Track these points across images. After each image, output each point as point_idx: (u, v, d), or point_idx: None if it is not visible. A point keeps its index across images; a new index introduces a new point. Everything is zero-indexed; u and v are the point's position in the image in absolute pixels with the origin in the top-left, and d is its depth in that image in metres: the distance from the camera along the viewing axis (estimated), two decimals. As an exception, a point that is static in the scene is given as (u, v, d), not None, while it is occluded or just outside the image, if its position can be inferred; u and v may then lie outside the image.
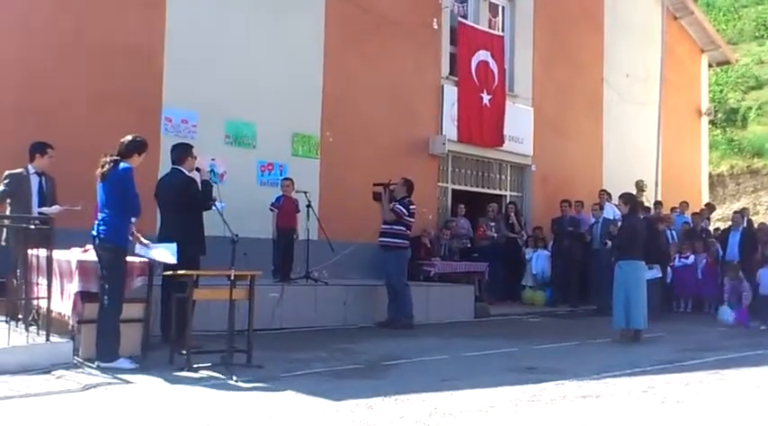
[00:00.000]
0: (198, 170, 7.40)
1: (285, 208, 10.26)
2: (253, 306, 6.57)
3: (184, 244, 6.99)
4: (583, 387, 6.03)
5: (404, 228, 10.02)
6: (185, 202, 7.23)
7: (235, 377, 5.91)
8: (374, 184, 10.31)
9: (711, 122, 22.22)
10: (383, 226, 10.06)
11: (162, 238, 7.29)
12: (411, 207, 10.09)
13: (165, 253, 6.58)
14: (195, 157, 7.47)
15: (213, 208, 7.24)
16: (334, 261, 10.66)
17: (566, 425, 4.89)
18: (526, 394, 5.70)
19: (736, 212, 14.17)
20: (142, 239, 6.59)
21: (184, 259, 6.83)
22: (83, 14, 9.70)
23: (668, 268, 13.12)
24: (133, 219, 6.57)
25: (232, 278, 6.41)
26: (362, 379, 6.26)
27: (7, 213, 7.48)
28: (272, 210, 10.24)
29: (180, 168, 7.42)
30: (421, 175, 11.72)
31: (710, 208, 16.66)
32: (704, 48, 19.96)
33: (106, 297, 6.23)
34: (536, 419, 5.00)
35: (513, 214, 14.24)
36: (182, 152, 7.51)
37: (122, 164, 6.29)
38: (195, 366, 6.20)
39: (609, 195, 13.66)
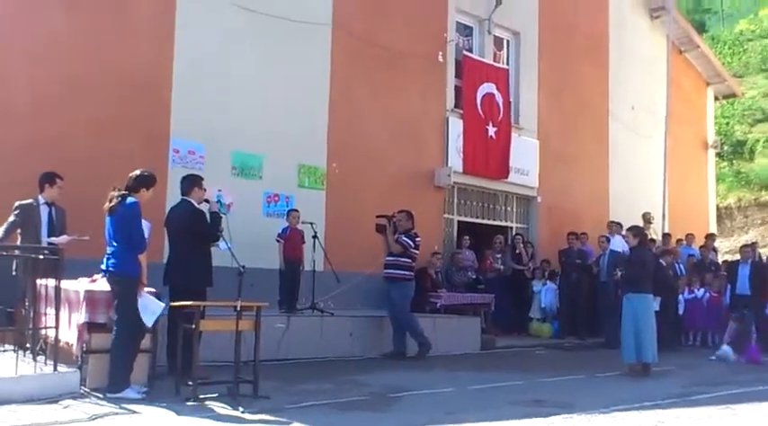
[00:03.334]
0: (206, 201, 7.43)
1: (292, 239, 10.29)
2: (259, 336, 6.56)
3: (191, 276, 7.00)
4: (592, 421, 5.98)
5: (409, 260, 10.04)
6: (193, 233, 7.26)
7: (241, 408, 5.89)
8: (377, 216, 10.34)
9: (718, 155, 22.27)
10: (388, 258, 10.08)
11: (169, 268, 7.32)
12: (417, 239, 10.13)
13: (148, 310, 6.44)
14: (204, 189, 7.51)
15: (218, 246, 7.24)
16: (340, 291, 10.64)
17: (574, 459, 4.84)
18: (534, 427, 5.66)
19: (745, 246, 14.11)
20: (145, 283, 6.53)
21: (191, 290, 6.85)
22: (91, 46, 9.81)
23: (679, 300, 13.10)
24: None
25: (238, 309, 6.41)
26: (368, 411, 6.23)
27: (17, 243, 7.50)
28: (278, 241, 10.27)
29: (189, 199, 7.46)
30: (426, 207, 11.77)
31: (711, 237, 16.60)
32: (710, 81, 20.08)
33: (115, 328, 6.24)
34: (544, 452, 4.95)
35: (520, 244, 14.22)
36: (190, 183, 7.54)
37: (129, 199, 6.34)
38: (202, 396, 6.17)
39: (620, 226, 13.62)
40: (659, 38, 17.99)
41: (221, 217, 7.39)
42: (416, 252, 10.20)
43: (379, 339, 10.22)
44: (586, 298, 13.45)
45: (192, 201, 7.43)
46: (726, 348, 11.25)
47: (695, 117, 19.58)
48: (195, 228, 7.25)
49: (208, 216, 7.33)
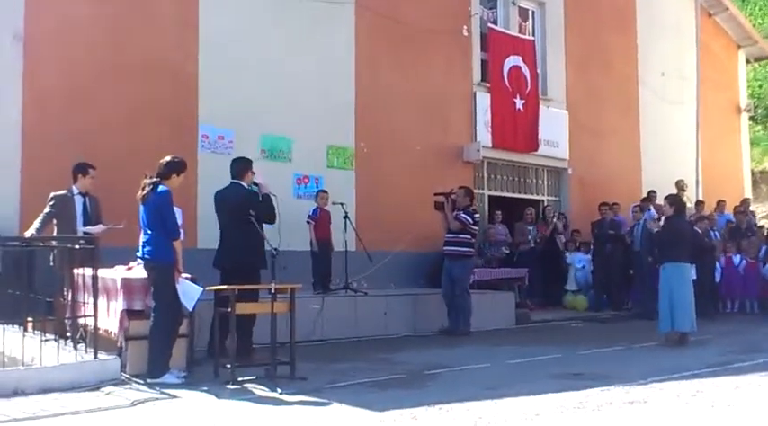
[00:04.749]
0: (256, 184, 7.39)
1: (322, 220, 10.33)
2: (294, 318, 6.61)
3: (251, 256, 7.05)
4: (630, 393, 5.94)
5: (469, 237, 10.07)
6: (248, 215, 7.14)
7: (279, 390, 5.94)
8: (435, 194, 10.36)
9: (752, 118, 21.84)
10: (448, 236, 10.10)
11: (221, 251, 7.36)
12: (476, 215, 10.19)
13: (187, 295, 6.50)
14: (254, 172, 7.49)
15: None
16: (373, 271, 10.67)
17: (614, 431, 4.82)
18: (572, 400, 5.64)
19: None
20: (181, 270, 6.55)
21: (245, 271, 6.92)
22: (117, 35, 9.88)
23: (715, 267, 12.95)
24: (181, 238, 6.65)
25: (273, 291, 6.46)
26: (405, 389, 6.25)
27: (54, 234, 7.62)
28: (308, 223, 10.30)
29: (239, 182, 7.42)
30: (456, 183, 11.65)
31: (745, 203, 16.33)
32: (741, 44, 19.65)
33: (153, 314, 6.34)
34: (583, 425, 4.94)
35: (555, 220, 14.10)
36: (243, 166, 7.48)
37: (161, 187, 6.39)
38: (240, 379, 6.25)
39: (654, 195, 13.51)
40: (687, 1, 17.62)
41: (272, 199, 7.34)
42: (476, 228, 10.26)
43: (413, 317, 10.25)
44: (621, 269, 13.32)
45: (243, 184, 7.40)
46: None
47: (727, 81, 19.20)
48: (254, 210, 7.15)
49: (260, 197, 7.29)
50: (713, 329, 10.28)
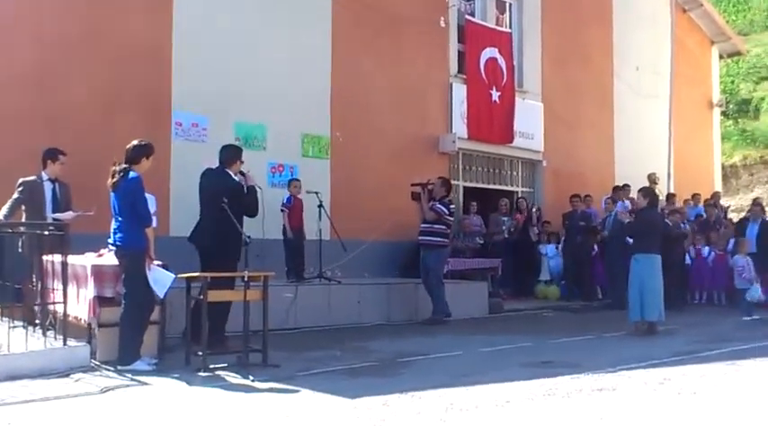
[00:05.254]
0: (242, 174, 7.28)
1: (296, 208, 10.31)
2: (267, 306, 6.59)
3: (227, 244, 6.96)
4: (598, 381, 6.01)
5: (444, 227, 10.14)
6: (221, 203, 6.96)
7: (251, 377, 5.94)
8: (412, 184, 10.42)
9: (723, 113, 22.12)
10: (423, 225, 10.16)
11: (198, 231, 7.24)
12: (451, 206, 10.28)
13: (159, 282, 6.43)
14: (242, 162, 7.39)
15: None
16: (347, 260, 10.68)
17: (582, 418, 4.88)
18: (542, 388, 5.70)
19: (755, 204, 14.04)
20: (152, 257, 6.50)
21: (223, 257, 6.88)
22: (90, 19, 9.78)
23: (686, 258, 13.14)
24: (153, 225, 6.59)
25: (246, 279, 6.44)
26: (378, 377, 6.27)
27: (22, 220, 7.53)
28: (282, 211, 10.27)
29: (227, 170, 7.28)
30: (432, 173, 11.69)
31: (715, 196, 16.56)
32: (714, 40, 19.89)
33: (124, 301, 6.29)
34: (552, 413, 4.99)
35: (534, 210, 14.21)
36: (233, 155, 7.34)
37: (131, 174, 6.33)
38: (212, 367, 6.23)
39: (628, 188, 13.70)
40: (663, -4, 17.78)
41: (257, 191, 7.26)
42: (451, 219, 10.35)
43: (386, 306, 10.28)
44: (590, 261, 13.45)
45: (230, 173, 7.28)
46: (755, 286, 11.13)
47: (700, 76, 19.41)
48: (234, 201, 7.00)
49: (245, 189, 7.19)
50: (681, 319, 10.42)
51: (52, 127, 8.99)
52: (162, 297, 6.52)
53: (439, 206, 10.04)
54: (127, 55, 9.96)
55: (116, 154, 6.55)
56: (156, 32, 10.32)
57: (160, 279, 6.44)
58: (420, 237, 10.23)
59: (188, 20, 10.53)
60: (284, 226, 10.21)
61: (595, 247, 13.57)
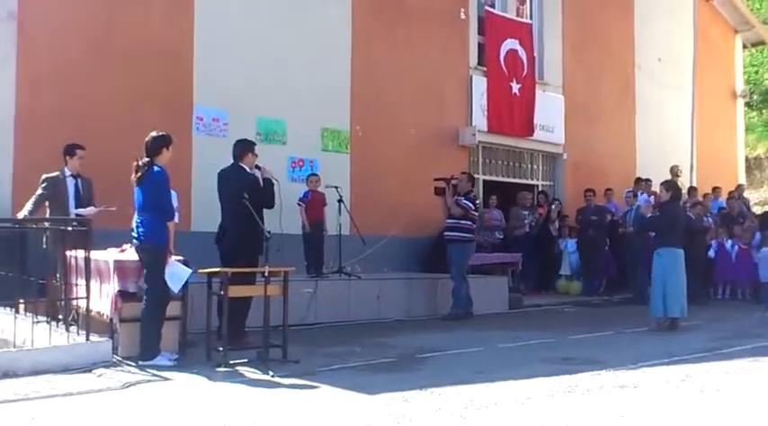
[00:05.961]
0: (258, 168, 7.30)
1: (313, 203, 10.31)
2: (287, 301, 6.61)
3: (243, 238, 7.01)
4: (620, 377, 5.98)
5: (470, 223, 10.12)
6: (242, 200, 7.00)
7: (271, 373, 5.97)
8: (435, 179, 10.37)
9: (747, 104, 21.82)
10: (448, 221, 10.14)
11: (221, 231, 7.32)
12: (476, 201, 10.25)
13: (175, 276, 6.47)
14: (256, 155, 7.41)
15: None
16: (367, 254, 10.68)
17: (603, 416, 4.85)
18: (562, 384, 5.68)
19: None
20: (172, 251, 6.52)
21: (244, 253, 6.91)
22: (112, 16, 9.80)
23: (709, 252, 13.03)
24: (176, 220, 6.63)
25: (266, 274, 6.46)
26: (398, 373, 6.28)
27: (46, 216, 7.61)
28: (299, 205, 10.27)
29: (241, 165, 7.31)
30: (451, 167, 11.67)
31: (739, 189, 16.37)
32: (738, 29, 19.61)
33: (146, 296, 6.33)
34: (573, 410, 4.97)
35: (553, 207, 14.14)
36: (243, 148, 7.37)
37: (155, 168, 6.37)
38: (232, 362, 6.26)
39: (649, 182, 13.55)
40: (685, -14, 17.56)
41: (274, 184, 7.28)
42: (476, 214, 10.30)
43: (406, 301, 10.27)
44: (605, 255, 13.40)
45: (245, 167, 7.32)
46: None
47: (723, 66, 19.16)
48: (251, 195, 7.02)
49: (261, 182, 7.21)
50: (704, 315, 10.34)
51: (77, 125, 9.03)
52: (176, 291, 6.53)
53: (465, 201, 10.02)
54: (149, 51, 9.98)
55: (139, 149, 6.57)
56: (178, 30, 10.34)
57: (177, 273, 6.48)
58: (446, 233, 10.22)
59: (209, 17, 10.53)
60: (302, 220, 10.22)
61: (608, 241, 13.48)
